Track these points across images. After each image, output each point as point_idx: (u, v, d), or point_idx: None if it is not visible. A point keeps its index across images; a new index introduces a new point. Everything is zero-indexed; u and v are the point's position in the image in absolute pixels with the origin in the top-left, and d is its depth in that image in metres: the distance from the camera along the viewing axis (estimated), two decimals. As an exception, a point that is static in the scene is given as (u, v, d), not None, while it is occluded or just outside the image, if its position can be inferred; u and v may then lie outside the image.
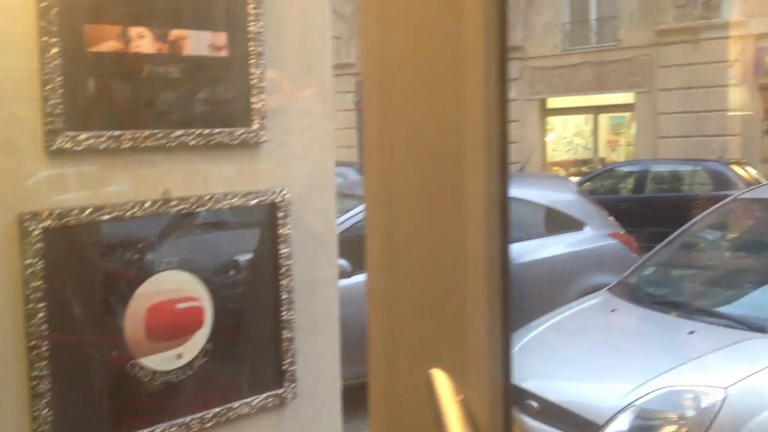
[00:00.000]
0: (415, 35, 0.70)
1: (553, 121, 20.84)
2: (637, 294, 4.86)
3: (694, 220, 5.61)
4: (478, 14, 0.65)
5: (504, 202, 0.68)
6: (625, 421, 3.69)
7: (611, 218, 7.68)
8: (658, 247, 5.42)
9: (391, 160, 0.72)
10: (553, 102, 20.25)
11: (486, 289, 0.67)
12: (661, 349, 4.26)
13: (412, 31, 0.70)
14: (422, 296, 0.71)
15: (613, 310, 4.76)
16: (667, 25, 17.63)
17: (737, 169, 13.50)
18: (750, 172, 13.80)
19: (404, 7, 0.71)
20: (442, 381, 0.70)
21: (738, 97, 16.97)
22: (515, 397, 4.22)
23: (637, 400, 3.71)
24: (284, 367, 1.63)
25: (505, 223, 0.68)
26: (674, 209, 12.46)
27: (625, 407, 3.70)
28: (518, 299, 6.44)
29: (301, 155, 1.63)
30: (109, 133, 1.36)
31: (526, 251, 7.11)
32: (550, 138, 20.83)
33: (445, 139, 0.69)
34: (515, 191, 7.54)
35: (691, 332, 4.09)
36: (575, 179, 15.87)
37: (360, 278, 6.50)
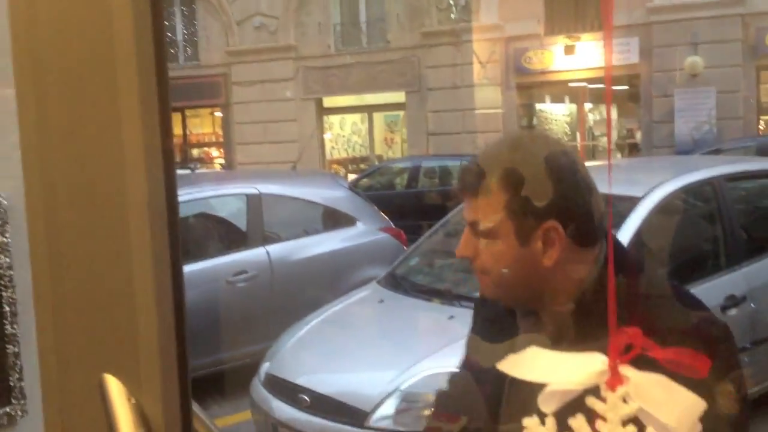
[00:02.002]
0: (67, 46, 0.68)
1: (330, 119, 21.18)
2: (403, 284, 5.06)
3: (455, 210, 5.84)
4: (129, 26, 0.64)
5: (172, 202, 0.68)
6: (390, 405, 3.84)
7: (381, 213, 7.95)
8: (422, 238, 5.67)
9: (51, 166, 0.70)
10: (330, 101, 20.58)
11: (154, 288, 0.67)
12: (424, 335, 4.47)
13: (63, 39, 0.68)
14: (90, 300, 0.70)
15: (381, 301, 4.92)
16: (432, 27, 18.55)
17: (499, 162, 14.54)
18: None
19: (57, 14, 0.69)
20: (114, 385, 0.69)
21: (496, 96, 18.25)
22: (289, 393, 4.25)
23: (401, 385, 3.88)
24: (11, 384, 1.53)
25: (174, 221, 0.68)
26: (444, 201, 13.21)
27: (390, 393, 3.86)
28: (298, 295, 6.42)
29: (11, 157, 1.52)
30: None
31: (303, 247, 7.20)
32: (327, 136, 21.16)
33: (105, 146, 0.68)
34: (289, 190, 7.60)
35: (451, 317, 4.32)
36: (353, 176, 16.28)
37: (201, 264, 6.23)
